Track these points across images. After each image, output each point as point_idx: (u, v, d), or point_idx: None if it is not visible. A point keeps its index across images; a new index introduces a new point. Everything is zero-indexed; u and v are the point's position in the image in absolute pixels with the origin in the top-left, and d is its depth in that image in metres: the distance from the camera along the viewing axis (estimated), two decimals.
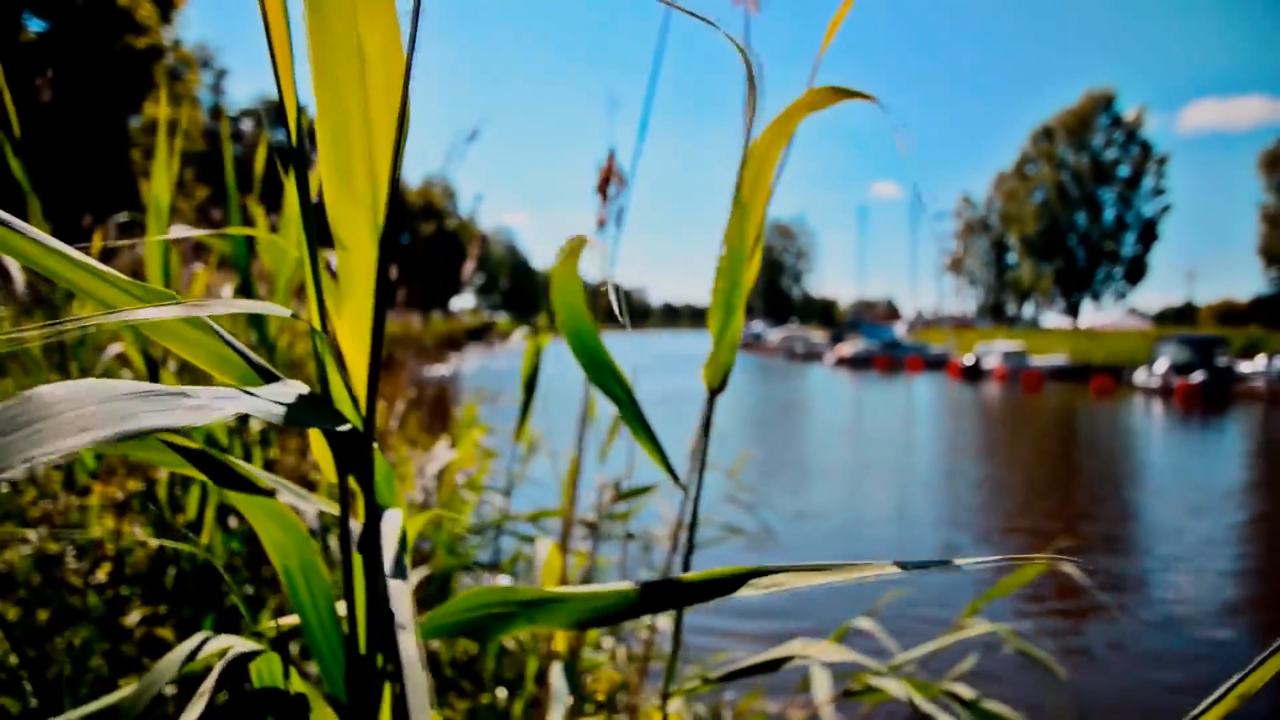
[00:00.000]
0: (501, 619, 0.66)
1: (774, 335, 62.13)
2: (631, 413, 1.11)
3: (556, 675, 1.42)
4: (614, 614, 0.61)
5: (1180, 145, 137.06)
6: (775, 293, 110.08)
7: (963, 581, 6.56)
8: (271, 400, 0.44)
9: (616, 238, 1.77)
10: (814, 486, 10.66)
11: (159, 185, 1.53)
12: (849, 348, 46.94)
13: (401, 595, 0.50)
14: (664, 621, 2.59)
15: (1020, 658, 2.12)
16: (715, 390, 1.21)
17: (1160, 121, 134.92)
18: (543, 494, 3.88)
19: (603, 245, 1.78)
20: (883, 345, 46.45)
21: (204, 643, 0.65)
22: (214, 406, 0.37)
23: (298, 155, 0.52)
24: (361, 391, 0.57)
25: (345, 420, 0.51)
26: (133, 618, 1.78)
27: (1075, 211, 64.13)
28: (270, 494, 0.60)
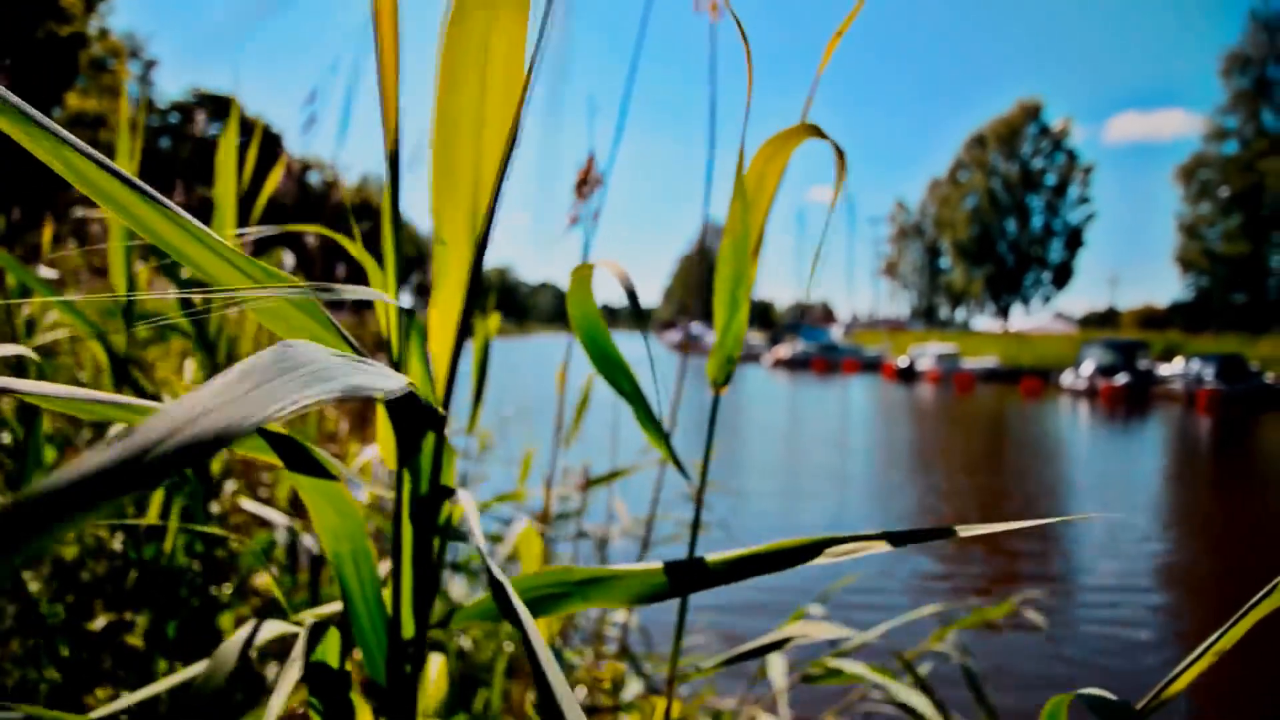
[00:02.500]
0: (556, 599, 0.68)
1: (712, 336, 62.31)
2: (640, 406, 1.13)
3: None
4: (672, 589, 0.64)
5: (1106, 155, 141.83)
6: (713, 294, 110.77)
7: (906, 589, 6.73)
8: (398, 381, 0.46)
9: (590, 237, 1.79)
10: (758, 485, 10.79)
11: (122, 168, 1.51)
12: (787, 349, 47.51)
13: (507, 583, 0.53)
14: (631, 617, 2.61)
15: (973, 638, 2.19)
16: (720, 387, 1.24)
17: (1088, 132, 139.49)
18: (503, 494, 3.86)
19: (574, 246, 1.81)
20: (820, 347, 47.10)
21: (259, 626, 0.66)
22: (391, 377, 0.39)
23: (393, 158, 0.55)
24: (443, 375, 0.59)
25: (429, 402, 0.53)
26: (98, 623, 1.74)
27: (1005, 218, 66.05)
28: (336, 478, 0.62)
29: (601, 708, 1.50)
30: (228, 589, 1.83)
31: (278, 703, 0.56)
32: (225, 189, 1.61)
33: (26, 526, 0.20)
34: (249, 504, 1.36)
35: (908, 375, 38.74)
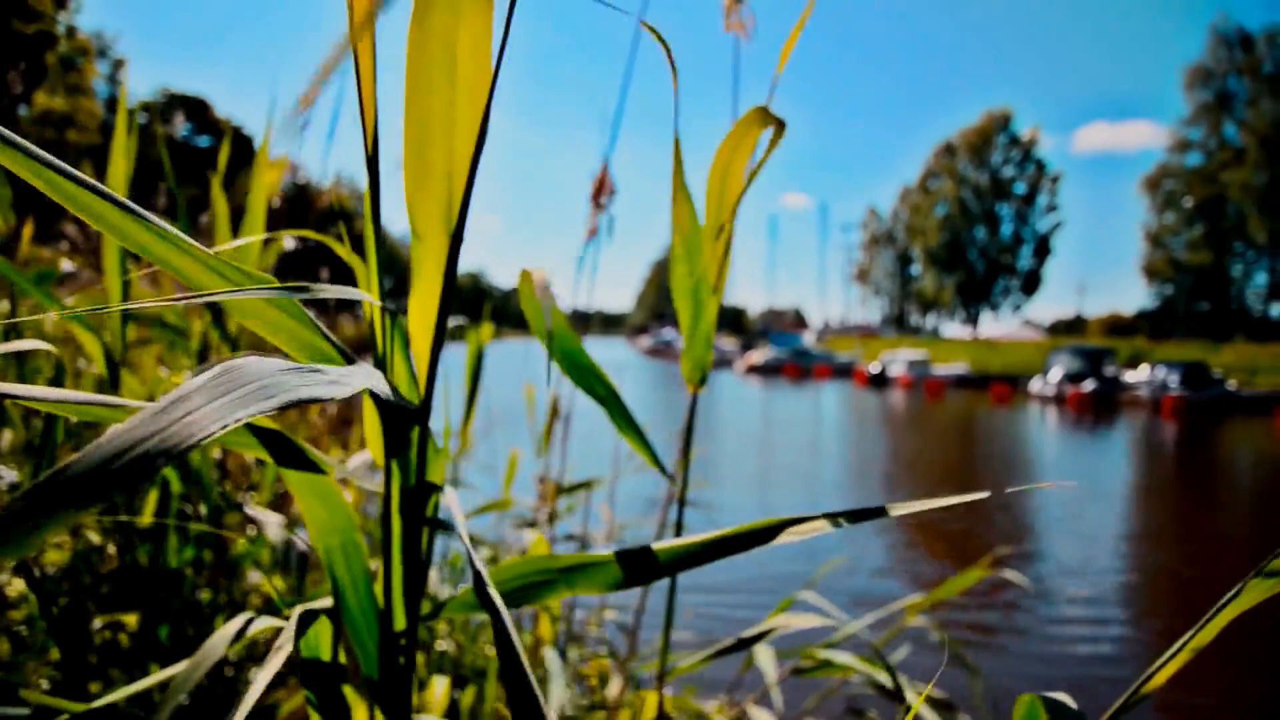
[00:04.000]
0: (541, 586, 0.69)
1: (683, 343, 62.03)
2: (617, 409, 1.14)
3: (550, 657, 1.45)
4: (653, 571, 0.65)
5: (1074, 165, 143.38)
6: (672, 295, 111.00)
7: (873, 572, 6.79)
8: (374, 380, 0.47)
9: (598, 246, 1.81)
10: (730, 497, 10.83)
11: (114, 176, 1.50)
12: (759, 355, 47.67)
13: (478, 557, 0.54)
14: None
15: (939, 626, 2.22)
16: (696, 386, 1.26)
17: (1057, 141, 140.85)
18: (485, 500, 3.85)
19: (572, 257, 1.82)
20: (792, 353, 47.29)
21: (250, 621, 0.67)
22: (345, 382, 0.41)
23: (373, 161, 0.56)
24: (424, 370, 0.60)
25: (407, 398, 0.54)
26: (93, 625, 1.73)
27: (975, 225, 66.85)
28: (325, 472, 0.63)
29: (594, 704, 1.51)
30: (221, 593, 1.82)
31: (262, 681, 0.56)
32: (255, 223, 1.67)
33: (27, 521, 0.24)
34: (252, 509, 1.35)
35: (879, 381, 39.03)
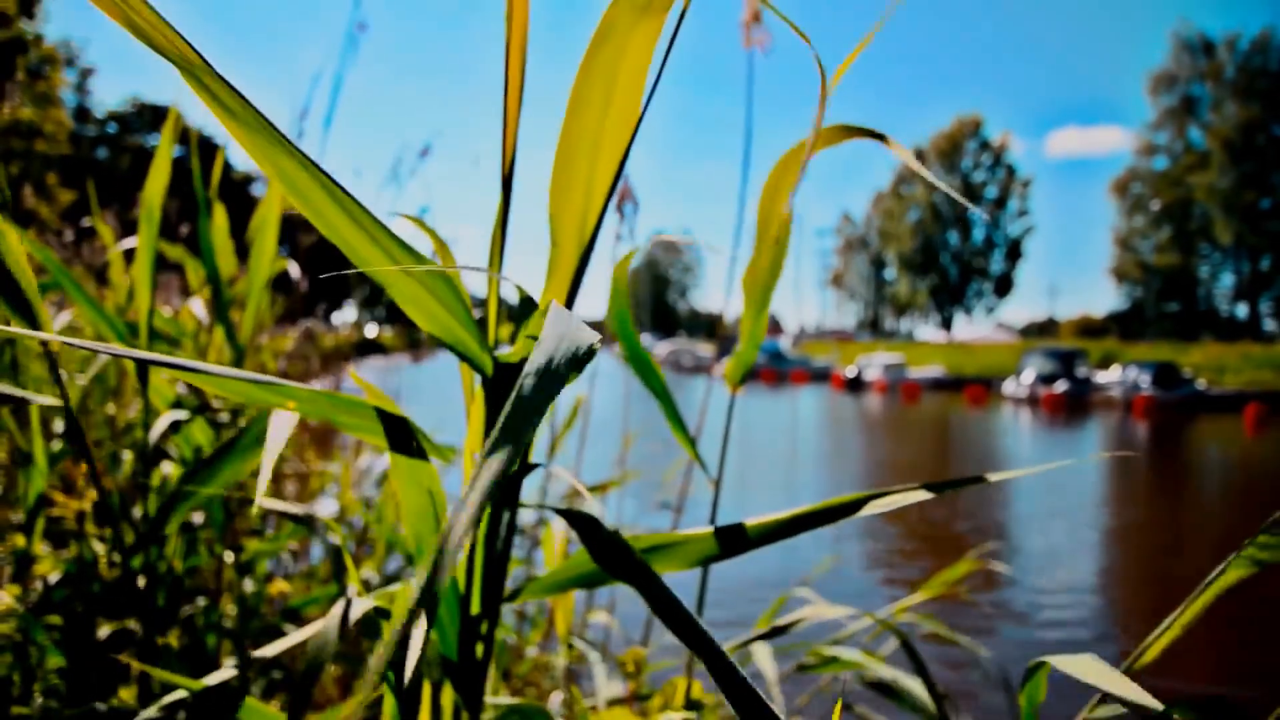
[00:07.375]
0: None
1: (661, 348, 62.32)
2: (668, 404, 1.21)
3: (580, 644, 1.49)
4: (743, 544, 0.69)
5: (1047, 169, 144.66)
6: (662, 306, 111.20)
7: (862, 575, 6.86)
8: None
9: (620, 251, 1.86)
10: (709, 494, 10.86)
11: (152, 189, 1.53)
12: None
13: (612, 531, 0.57)
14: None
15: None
16: (737, 388, 1.33)
17: (1030, 146, 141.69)
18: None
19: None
20: (769, 358, 47.41)
21: (349, 604, 0.70)
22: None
23: (508, 180, 0.61)
24: None
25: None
26: (103, 632, 1.73)
27: (947, 230, 67.63)
28: (426, 458, 0.66)
29: (630, 695, 1.53)
30: (225, 601, 1.83)
31: (413, 657, 0.60)
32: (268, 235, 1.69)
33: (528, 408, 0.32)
34: (273, 503, 1.37)
35: (855, 385, 39.31)
